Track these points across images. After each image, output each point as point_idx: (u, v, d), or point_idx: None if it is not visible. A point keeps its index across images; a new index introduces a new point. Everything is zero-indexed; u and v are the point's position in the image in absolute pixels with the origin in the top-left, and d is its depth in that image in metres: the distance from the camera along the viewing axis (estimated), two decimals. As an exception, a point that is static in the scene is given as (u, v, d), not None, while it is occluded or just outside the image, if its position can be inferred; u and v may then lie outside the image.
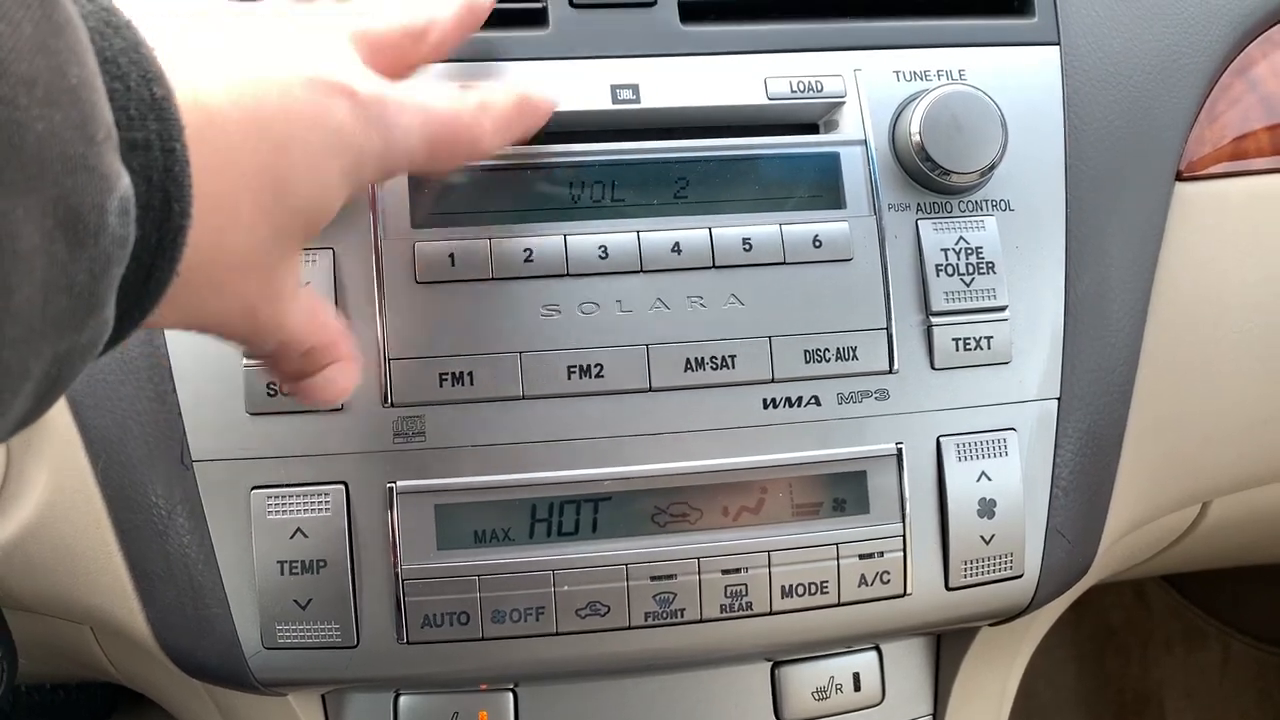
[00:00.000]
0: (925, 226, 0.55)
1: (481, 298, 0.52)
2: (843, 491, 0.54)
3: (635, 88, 0.55)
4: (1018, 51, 0.59)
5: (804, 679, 0.62)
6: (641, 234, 0.53)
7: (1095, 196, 0.59)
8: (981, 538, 0.55)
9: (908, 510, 0.55)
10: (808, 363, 0.54)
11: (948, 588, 0.55)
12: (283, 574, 0.51)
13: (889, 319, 0.55)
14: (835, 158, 0.55)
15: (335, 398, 0.45)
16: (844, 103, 0.56)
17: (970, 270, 0.55)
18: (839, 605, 0.54)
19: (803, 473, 0.54)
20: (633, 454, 0.53)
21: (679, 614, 0.53)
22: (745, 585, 0.53)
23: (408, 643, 0.52)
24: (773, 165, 0.55)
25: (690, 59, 0.56)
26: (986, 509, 0.55)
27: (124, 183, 0.28)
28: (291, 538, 0.51)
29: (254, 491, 0.51)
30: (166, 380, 0.51)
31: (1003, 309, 0.56)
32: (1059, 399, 0.57)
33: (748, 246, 0.54)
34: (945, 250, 0.55)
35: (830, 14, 0.58)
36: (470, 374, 0.52)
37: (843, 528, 0.54)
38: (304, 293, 0.41)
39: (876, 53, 0.57)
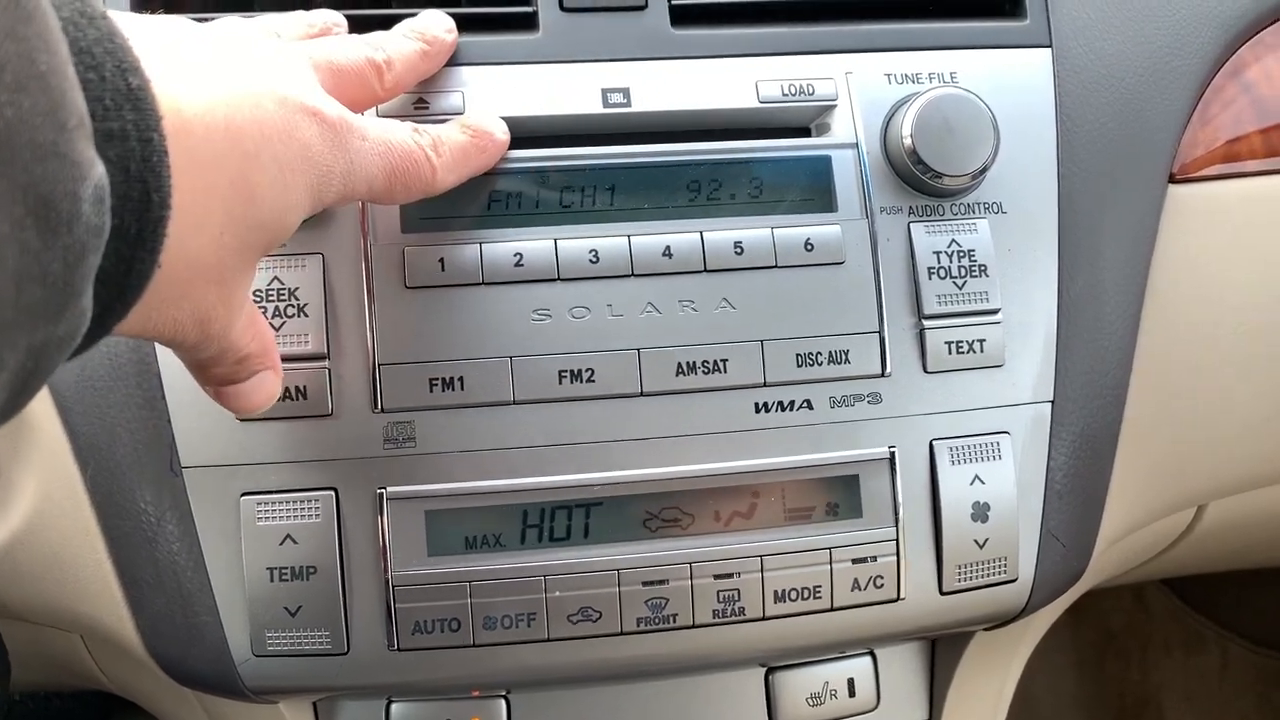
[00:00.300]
0: (917, 229, 0.55)
1: (472, 302, 0.52)
2: (835, 496, 0.54)
3: (626, 91, 0.55)
4: (1009, 54, 0.59)
5: (798, 684, 0.61)
6: (632, 238, 0.53)
7: (1088, 199, 0.58)
8: (975, 542, 0.55)
9: (901, 514, 0.54)
10: (800, 366, 0.54)
11: (941, 592, 0.55)
12: (272, 581, 0.51)
13: (881, 322, 0.54)
14: (827, 161, 0.55)
15: (261, 404, 0.45)
16: (835, 106, 0.56)
17: (962, 273, 0.55)
18: (832, 610, 0.54)
19: (795, 477, 0.54)
20: (624, 459, 0.53)
21: (671, 619, 0.53)
22: (738, 590, 0.53)
23: (398, 649, 0.51)
24: (764, 169, 0.55)
25: (681, 62, 0.56)
26: (980, 513, 0.55)
27: (98, 171, 0.28)
28: (281, 544, 0.51)
29: (243, 498, 0.51)
30: (155, 386, 0.51)
31: (995, 312, 0.56)
32: (1052, 402, 0.57)
33: (739, 250, 0.53)
34: (937, 253, 0.55)
35: (821, 17, 0.58)
36: (461, 379, 0.51)
37: (835, 532, 0.54)
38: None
39: (868, 55, 0.57)
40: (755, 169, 0.55)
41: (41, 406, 0.52)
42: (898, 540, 0.54)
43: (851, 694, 0.62)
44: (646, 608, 0.53)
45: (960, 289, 0.55)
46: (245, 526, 0.51)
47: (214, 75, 0.37)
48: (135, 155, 0.30)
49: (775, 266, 0.54)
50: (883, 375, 0.54)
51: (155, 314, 0.36)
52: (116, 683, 0.68)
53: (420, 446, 0.51)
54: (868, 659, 0.62)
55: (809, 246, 0.54)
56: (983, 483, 0.55)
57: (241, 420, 0.51)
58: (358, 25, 0.52)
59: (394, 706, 0.59)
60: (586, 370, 0.52)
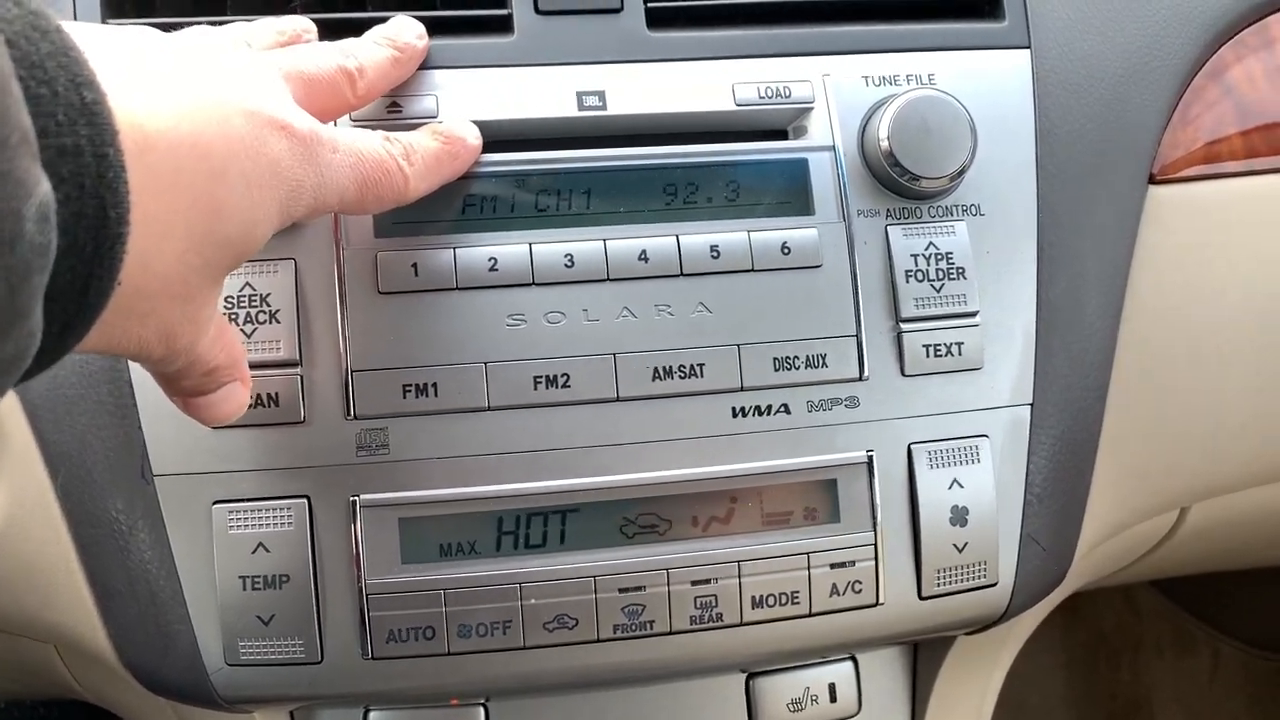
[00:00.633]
0: (895, 232, 0.55)
1: (446, 308, 0.51)
2: (813, 500, 0.54)
3: (602, 94, 0.54)
4: (988, 55, 0.59)
5: (779, 690, 0.61)
6: (608, 242, 0.53)
7: (1067, 200, 0.58)
8: (954, 546, 0.55)
9: (879, 519, 0.54)
10: (777, 370, 0.53)
11: (920, 597, 0.55)
12: (245, 589, 0.50)
13: (859, 326, 0.54)
14: (804, 164, 0.55)
15: (230, 415, 0.45)
16: (812, 108, 0.56)
17: (940, 276, 0.55)
18: (810, 615, 0.54)
19: (773, 482, 0.53)
20: (600, 464, 0.52)
21: (648, 626, 0.52)
22: (715, 596, 0.53)
23: (373, 658, 0.51)
24: (741, 172, 0.54)
25: (657, 65, 0.55)
26: (959, 517, 0.55)
27: (43, 189, 0.27)
28: (254, 553, 0.50)
29: (215, 506, 0.50)
30: (127, 394, 0.51)
31: (973, 315, 0.55)
32: (1032, 405, 0.57)
33: (715, 254, 0.53)
34: (915, 256, 0.55)
35: (798, 19, 0.58)
36: (434, 385, 0.51)
37: (813, 537, 0.54)
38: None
39: (845, 58, 0.57)
40: (732, 172, 0.54)
41: (11, 413, 0.51)
42: (876, 545, 0.54)
43: (833, 699, 0.61)
44: (623, 615, 0.52)
45: (938, 292, 0.55)
46: (217, 535, 0.50)
47: (179, 88, 0.36)
48: (90, 171, 0.30)
49: (752, 270, 0.53)
50: (860, 379, 0.54)
51: (118, 331, 0.35)
52: (92, 692, 0.68)
53: (394, 453, 0.51)
54: (849, 664, 0.62)
55: (786, 250, 0.54)
56: (961, 486, 0.55)
57: (213, 428, 0.50)
58: (330, 30, 0.51)
59: (372, 715, 0.58)
60: (562, 375, 0.52)
